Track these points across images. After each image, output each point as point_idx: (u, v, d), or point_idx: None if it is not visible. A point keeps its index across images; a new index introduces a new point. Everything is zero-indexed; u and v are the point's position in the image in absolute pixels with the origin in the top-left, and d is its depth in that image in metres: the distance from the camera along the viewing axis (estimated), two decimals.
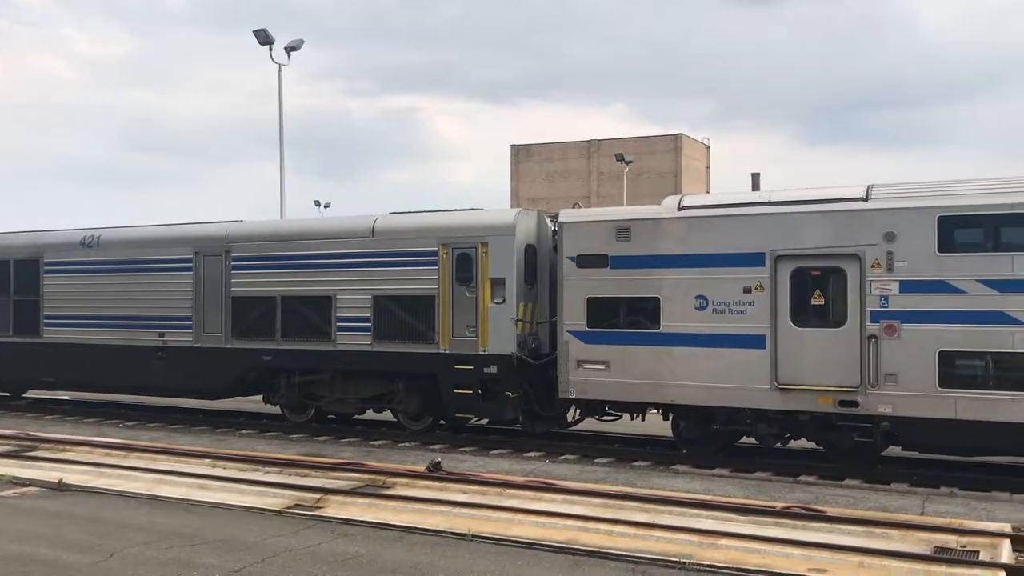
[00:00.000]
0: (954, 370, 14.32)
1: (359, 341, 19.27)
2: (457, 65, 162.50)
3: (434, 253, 18.53)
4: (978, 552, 10.59)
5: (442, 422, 19.60)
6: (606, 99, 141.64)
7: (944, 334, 14.31)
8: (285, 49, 33.00)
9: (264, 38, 32.18)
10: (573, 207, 18.83)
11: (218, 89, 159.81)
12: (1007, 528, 11.44)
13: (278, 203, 34.08)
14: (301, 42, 33.22)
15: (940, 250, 14.42)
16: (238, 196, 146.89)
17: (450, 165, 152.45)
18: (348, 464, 15.79)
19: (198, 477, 15.02)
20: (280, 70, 33.07)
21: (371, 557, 10.48)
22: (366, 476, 14.84)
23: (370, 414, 20.97)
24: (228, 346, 20.76)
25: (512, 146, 73.99)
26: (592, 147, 70.67)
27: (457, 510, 12.68)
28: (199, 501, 13.48)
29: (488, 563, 10.25)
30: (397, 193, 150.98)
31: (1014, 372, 14.03)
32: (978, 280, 14.18)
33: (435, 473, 14.72)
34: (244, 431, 20.88)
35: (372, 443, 18.99)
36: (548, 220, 18.81)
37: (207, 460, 16.35)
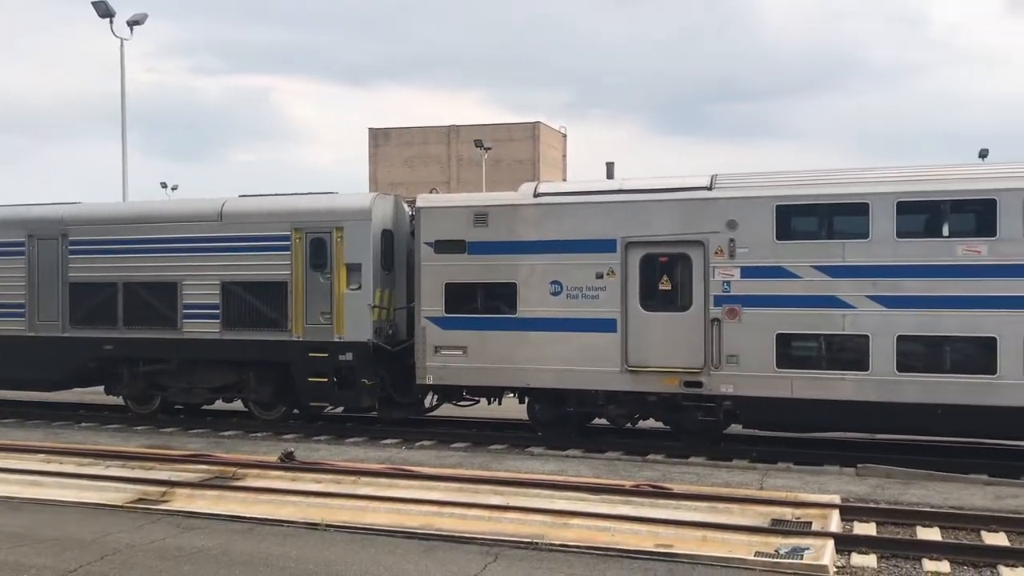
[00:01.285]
0: (790, 351, 15.14)
1: (207, 329, 18.61)
2: (312, 45, 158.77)
3: (286, 238, 18.08)
4: (811, 523, 11.24)
5: (296, 411, 19.20)
6: (464, 85, 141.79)
7: (781, 317, 15.08)
8: (128, 23, 31.39)
9: (104, 10, 30.50)
10: (431, 192, 18.77)
11: (54, 63, 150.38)
12: (836, 499, 12.20)
13: (120, 184, 32.48)
14: (145, 16, 31.69)
15: (778, 237, 15.17)
16: (76, 177, 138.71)
17: (305, 148, 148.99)
18: (196, 456, 15.26)
19: (31, 474, 14.16)
20: (122, 44, 31.45)
21: (220, 550, 10.17)
22: (215, 468, 14.38)
23: (221, 404, 20.32)
24: (65, 335, 19.64)
25: (370, 130, 73.11)
26: (452, 133, 70.65)
27: (310, 500, 12.46)
28: (31, 499, 12.70)
29: (340, 551, 10.12)
30: (249, 176, 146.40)
31: (844, 353, 14.95)
32: (812, 266, 15.01)
33: (287, 463, 14.42)
34: (84, 424, 19.85)
35: (222, 434, 18.41)
36: (405, 205, 18.68)
37: (41, 455, 15.44)
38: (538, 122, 69.94)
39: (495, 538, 10.49)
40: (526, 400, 17.15)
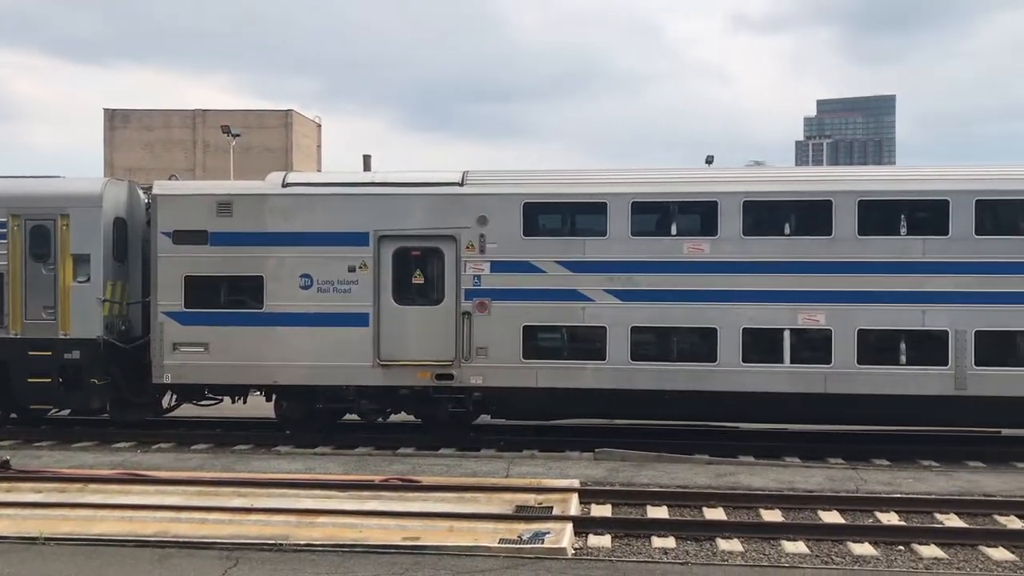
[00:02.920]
0: (536, 343, 15.70)
1: None
2: (32, 16, 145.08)
3: (2, 225, 16.36)
4: (552, 507, 11.71)
5: (14, 415, 17.43)
6: (209, 68, 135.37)
7: (528, 310, 15.61)
8: None
9: None
10: (170, 179, 17.69)
11: None
12: (576, 483, 12.79)
13: None
14: None
15: (525, 233, 15.68)
16: None
17: (30, 128, 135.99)
18: None
19: None
20: None
21: None
22: None
23: None
24: None
25: (106, 110, 67.81)
26: (198, 117, 67.04)
27: (28, 511, 11.36)
28: None
29: (62, 566, 9.31)
30: None
31: (585, 343, 15.73)
32: (556, 261, 15.64)
33: (2, 473, 13.06)
34: None
35: None
36: (141, 192, 17.47)
37: None
38: (291, 110, 67.97)
39: (237, 541, 10.07)
40: (273, 398, 16.60)
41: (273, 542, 10.02)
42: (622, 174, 16.28)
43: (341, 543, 10.01)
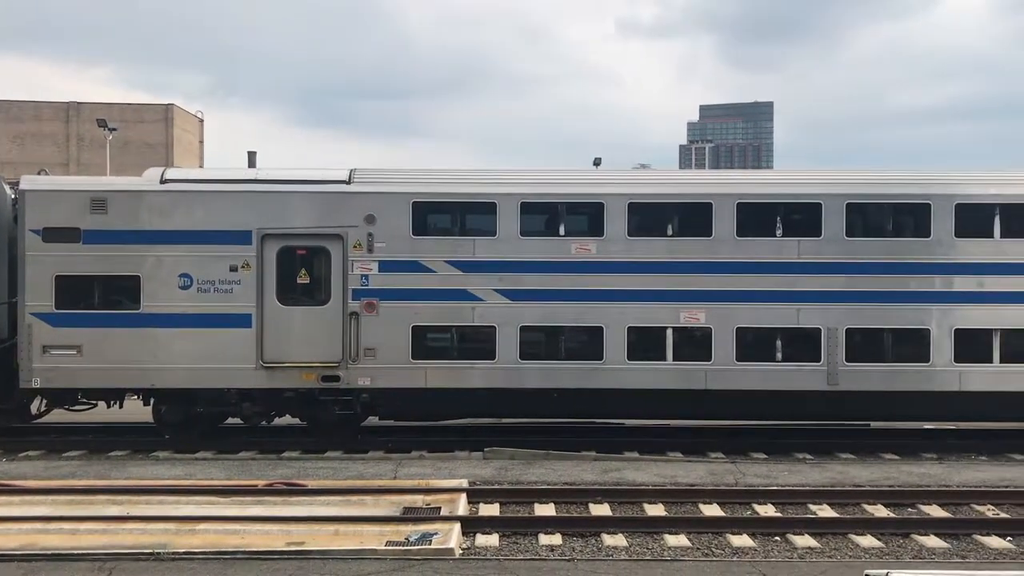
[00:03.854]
0: (425, 343, 15.62)
1: None
2: None
3: None
4: (440, 508, 11.68)
5: None
6: (88, 60, 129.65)
7: (417, 310, 15.52)
8: None
9: None
10: (39, 173, 16.85)
11: None
12: (464, 483, 12.79)
13: None
14: None
15: (415, 233, 15.58)
16: None
17: None
18: None
19: None
20: None
21: None
22: None
23: None
24: None
25: None
26: (72, 110, 64.02)
27: None
28: None
29: None
30: None
31: (474, 343, 15.74)
32: (446, 261, 15.60)
33: None
34: None
35: None
36: (7, 187, 16.56)
37: None
38: (172, 104, 65.64)
39: (111, 552, 9.66)
40: (151, 402, 16.00)
41: (150, 551, 9.66)
42: (512, 174, 16.38)
43: (223, 550, 9.73)
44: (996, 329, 15.47)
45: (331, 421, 15.81)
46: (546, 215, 15.98)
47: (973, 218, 15.54)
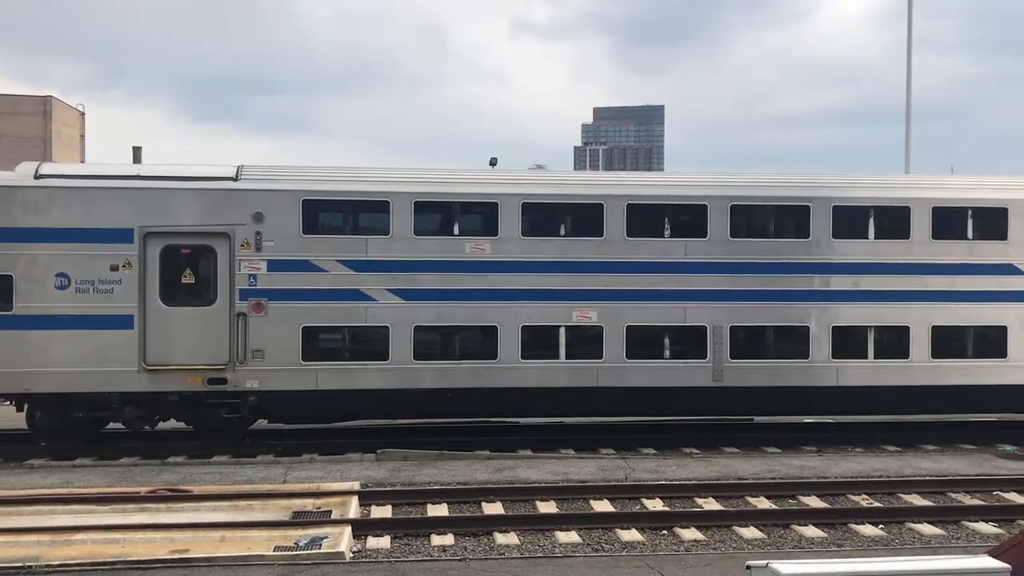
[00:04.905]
0: (316, 344, 15.37)
1: None
2: None
3: None
4: (331, 511, 11.49)
5: None
6: None
7: (308, 311, 15.24)
8: None
9: None
10: None
11: None
12: (356, 486, 12.63)
13: None
14: None
15: (305, 231, 15.30)
16: None
17: None
18: None
19: None
20: None
21: None
22: None
23: None
24: None
25: None
26: None
27: None
28: None
29: None
30: None
31: (367, 344, 15.56)
32: (338, 260, 15.38)
33: None
34: None
35: None
36: None
37: None
38: (50, 96, 62.73)
39: None
40: (26, 407, 15.24)
41: (21, 564, 9.20)
42: (405, 173, 16.27)
43: (101, 561, 9.35)
44: (871, 326, 16.20)
45: (218, 425, 15.37)
46: (440, 214, 15.94)
47: (849, 220, 16.24)
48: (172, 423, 15.92)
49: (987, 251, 16.38)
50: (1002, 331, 16.35)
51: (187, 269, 15.17)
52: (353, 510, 11.44)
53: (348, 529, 10.44)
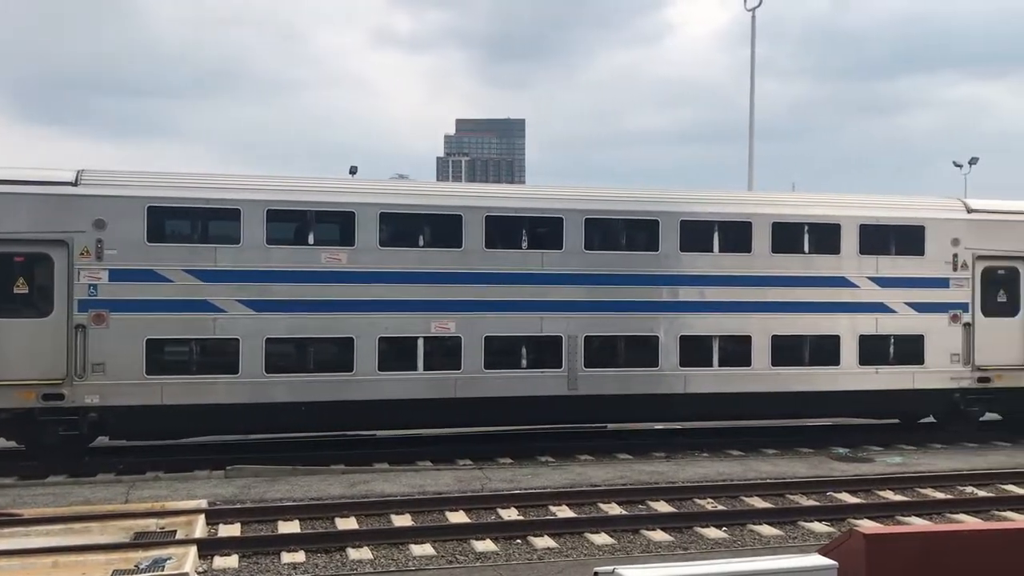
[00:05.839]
0: (162, 357, 14.74)
1: None
2: None
3: None
4: (176, 531, 11.02)
5: None
6: None
7: (152, 322, 14.61)
8: None
9: None
10: None
11: None
12: (203, 504, 12.17)
13: None
14: None
15: (150, 240, 14.68)
16: None
17: None
18: None
19: None
20: None
21: None
22: None
23: None
24: None
25: None
26: None
27: None
28: None
29: None
30: None
31: (216, 356, 15.04)
32: (185, 270, 14.82)
33: None
34: None
35: None
36: None
37: None
38: None
39: None
40: None
41: None
42: (258, 180, 15.85)
43: None
44: (716, 336, 16.89)
45: (54, 443, 14.50)
46: (295, 223, 15.60)
47: (696, 234, 16.90)
48: (2, 442, 14.92)
49: (822, 264, 17.38)
50: (836, 340, 17.37)
51: (20, 278, 14.28)
52: (199, 529, 11.01)
53: (193, 549, 10.03)
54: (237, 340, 14.92)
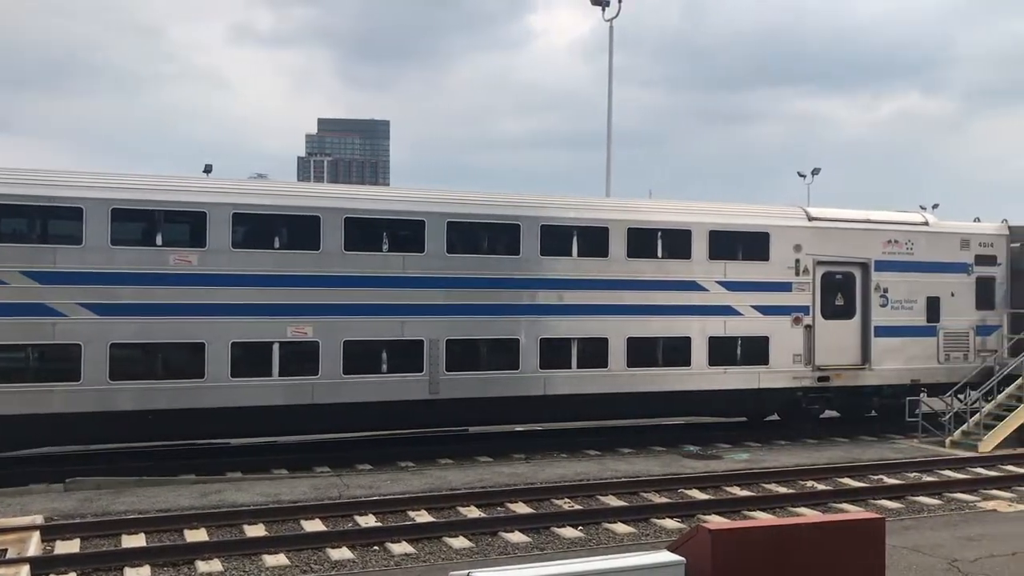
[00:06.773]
0: None
1: None
2: None
3: None
4: (6, 550, 10.34)
5: None
6: None
7: None
8: None
9: None
10: None
11: None
12: (39, 520, 11.47)
13: None
14: None
15: None
16: None
17: None
18: None
19: None
20: None
21: None
22: None
23: None
24: None
25: None
26: None
27: None
28: None
29: None
30: None
31: (55, 363, 14.21)
32: (21, 272, 13.95)
33: None
34: None
35: None
36: None
37: None
38: None
39: None
40: None
41: None
42: (102, 178, 15.07)
43: None
44: (574, 338, 17.19)
45: None
46: (142, 223, 14.92)
47: (555, 238, 17.15)
48: None
49: (675, 269, 17.96)
50: (687, 341, 17.99)
51: None
52: (33, 547, 10.37)
53: (26, 568, 9.44)
54: (79, 346, 14.14)
